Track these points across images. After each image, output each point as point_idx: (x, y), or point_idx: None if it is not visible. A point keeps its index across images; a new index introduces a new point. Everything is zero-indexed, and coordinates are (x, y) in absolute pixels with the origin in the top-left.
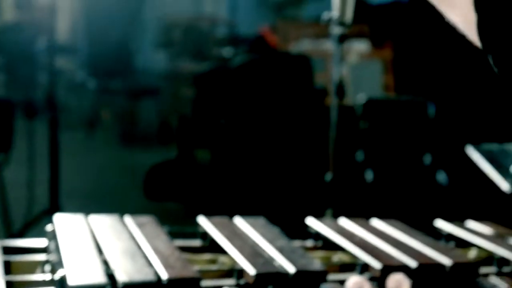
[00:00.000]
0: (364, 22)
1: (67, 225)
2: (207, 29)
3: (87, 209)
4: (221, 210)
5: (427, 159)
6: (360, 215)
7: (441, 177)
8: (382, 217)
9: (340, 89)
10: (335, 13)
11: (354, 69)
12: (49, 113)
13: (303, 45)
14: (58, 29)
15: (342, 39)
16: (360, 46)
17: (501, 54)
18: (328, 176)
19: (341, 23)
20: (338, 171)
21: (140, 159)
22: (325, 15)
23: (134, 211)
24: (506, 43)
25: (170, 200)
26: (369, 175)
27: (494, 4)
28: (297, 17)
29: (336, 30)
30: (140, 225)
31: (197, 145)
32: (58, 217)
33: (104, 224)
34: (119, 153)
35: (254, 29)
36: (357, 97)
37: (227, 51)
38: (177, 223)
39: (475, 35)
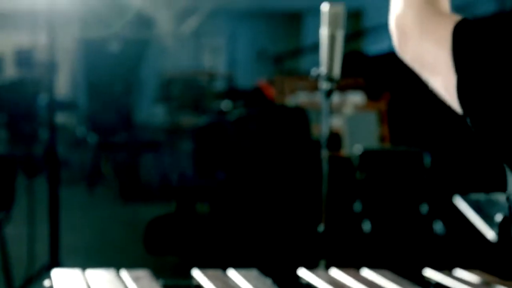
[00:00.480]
0: (360, 75)
1: (65, 280)
2: (205, 83)
3: (87, 264)
4: (217, 262)
5: (424, 208)
6: (355, 265)
7: (438, 226)
8: (377, 266)
9: (334, 141)
10: (323, 69)
11: (350, 121)
12: (50, 169)
13: (300, 98)
14: (59, 86)
15: (329, 93)
16: (355, 98)
17: (478, 117)
18: (321, 227)
19: (329, 78)
20: (332, 222)
21: (140, 214)
22: (314, 71)
23: (134, 265)
24: (483, 107)
25: (170, 253)
26: (366, 226)
27: (472, 71)
28: (294, 70)
29: (325, 85)
30: (135, 279)
31: (196, 198)
32: (56, 272)
33: (100, 278)
34: (119, 207)
35: (252, 82)
36: (354, 148)
37: (225, 105)
38: (176, 275)
39: (455, 101)
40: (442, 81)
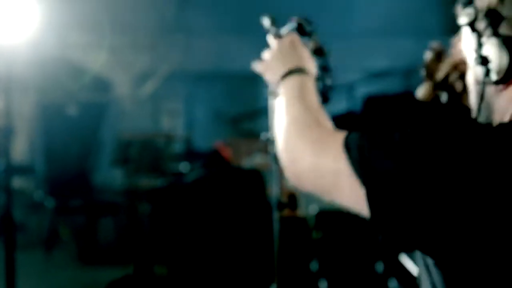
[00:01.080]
0: None
1: None
2: (163, 145)
3: None
4: None
5: (379, 267)
6: None
7: (393, 284)
8: None
9: (291, 201)
10: (272, 133)
11: None
12: (6, 234)
13: (256, 159)
14: (16, 150)
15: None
16: None
17: (386, 225)
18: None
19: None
20: (287, 281)
21: (99, 276)
22: (263, 135)
23: None
24: (391, 215)
25: None
26: (323, 284)
27: (380, 181)
28: (252, 132)
29: (273, 149)
30: None
31: (154, 260)
32: None
33: None
34: (77, 271)
35: (210, 144)
36: (310, 208)
37: (183, 166)
38: None
39: (365, 209)
40: (349, 196)
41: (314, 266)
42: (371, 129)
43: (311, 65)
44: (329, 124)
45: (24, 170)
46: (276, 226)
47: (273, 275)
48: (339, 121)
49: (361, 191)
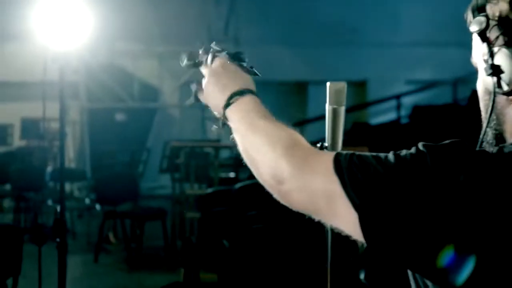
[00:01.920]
0: (365, 144)
1: None
2: (211, 152)
3: None
4: None
5: (362, 275)
6: None
7: None
8: None
9: None
10: (326, 143)
11: None
12: (59, 238)
13: None
14: (67, 156)
15: None
16: None
17: (388, 248)
18: None
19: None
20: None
21: (145, 282)
22: (317, 145)
23: None
24: (385, 241)
25: None
26: None
27: (373, 207)
28: None
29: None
30: None
31: (203, 267)
32: None
33: None
34: (125, 277)
35: None
36: None
37: (230, 174)
38: None
39: (359, 234)
40: (345, 222)
41: (362, 275)
42: (402, 143)
43: (251, 82)
44: (304, 141)
45: (74, 175)
46: (329, 235)
47: (325, 284)
48: (387, 129)
49: (353, 214)
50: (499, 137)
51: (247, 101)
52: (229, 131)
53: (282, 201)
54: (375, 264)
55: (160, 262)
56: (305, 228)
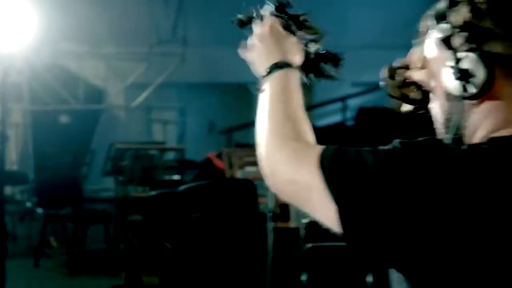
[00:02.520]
0: None
1: None
2: (156, 155)
3: None
4: None
5: (369, 279)
6: None
7: None
8: None
9: (283, 212)
10: None
11: None
12: None
13: (248, 170)
14: (9, 159)
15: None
16: None
17: (357, 243)
18: None
19: None
20: None
21: (88, 287)
22: None
23: None
24: (362, 234)
25: None
26: None
27: (351, 201)
28: (244, 143)
29: None
30: None
31: (145, 270)
32: None
33: None
34: (66, 280)
35: (203, 155)
36: (301, 220)
37: (175, 177)
38: None
39: (335, 225)
40: (321, 211)
41: (304, 277)
42: (347, 145)
43: (295, 53)
44: (309, 133)
45: (16, 178)
46: (270, 237)
47: (265, 285)
48: (333, 131)
49: (333, 208)
50: (458, 141)
51: (280, 78)
52: None
53: (274, 191)
54: (318, 266)
55: (103, 266)
56: (248, 230)
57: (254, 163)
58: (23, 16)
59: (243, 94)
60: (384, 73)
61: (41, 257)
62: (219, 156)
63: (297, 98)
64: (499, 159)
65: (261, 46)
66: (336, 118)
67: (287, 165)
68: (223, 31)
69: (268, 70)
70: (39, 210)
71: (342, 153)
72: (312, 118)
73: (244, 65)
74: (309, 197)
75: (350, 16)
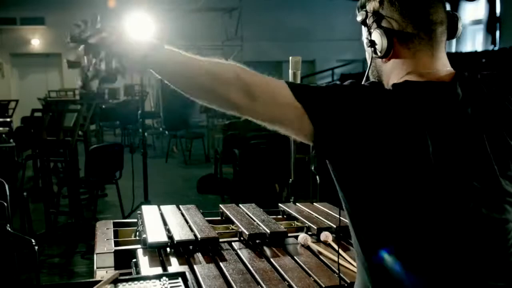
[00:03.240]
0: None
1: (148, 211)
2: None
3: (164, 202)
4: (235, 200)
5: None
6: (307, 199)
7: None
8: (324, 200)
9: None
10: None
11: None
12: (143, 149)
13: None
14: (149, 104)
15: None
16: None
17: (338, 159)
18: (291, 180)
19: None
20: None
21: (194, 173)
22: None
23: (189, 203)
24: (343, 151)
25: (210, 193)
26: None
27: (327, 122)
28: None
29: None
30: (186, 210)
31: (224, 163)
32: (143, 207)
33: (167, 210)
34: (183, 170)
35: None
36: None
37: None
38: (210, 208)
39: (310, 143)
40: (296, 131)
41: (312, 167)
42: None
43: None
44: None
45: (153, 115)
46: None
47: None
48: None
49: (310, 126)
50: (379, 84)
51: (171, 49)
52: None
53: (248, 115)
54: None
55: (202, 161)
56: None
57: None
58: (144, 22)
59: (277, 68)
60: None
61: (168, 158)
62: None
63: (189, 56)
64: (395, 97)
65: (130, 40)
66: (328, 80)
67: (267, 92)
68: (265, 32)
69: (156, 48)
70: (166, 132)
71: (311, 86)
72: (315, 81)
73: (278, 51)
74: (285, 115)
75: (335, 17)
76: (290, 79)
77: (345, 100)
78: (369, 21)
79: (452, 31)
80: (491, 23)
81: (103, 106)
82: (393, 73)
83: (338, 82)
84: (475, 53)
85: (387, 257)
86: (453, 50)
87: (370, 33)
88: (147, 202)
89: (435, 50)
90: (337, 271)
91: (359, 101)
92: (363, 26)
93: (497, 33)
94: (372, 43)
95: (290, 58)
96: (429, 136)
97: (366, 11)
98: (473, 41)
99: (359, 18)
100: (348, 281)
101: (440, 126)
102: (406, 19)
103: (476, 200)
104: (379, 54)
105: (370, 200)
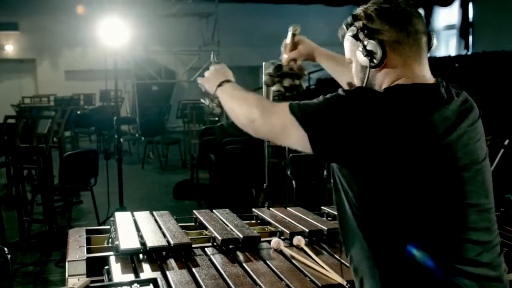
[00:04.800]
0: None
1: (121, 217)
2: (203, 106)
3: (140, 208)
4: (211, 205)
5: (288, 171)
6: (283, 204)
7: None
8: (300, 204)
9: None
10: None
11: None
12: (118, 155)
13: None
14: (125, 110)
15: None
16: None
17: (336, 158)
18: (265, 185)
19: None
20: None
21: (171, 178)
22: None
23: (166, 208)
24: (336, 151)
25: (186, 199)
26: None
27: (319, 130)
28: None
29: None
30: (160, 216)
31: (200, 168)
32: (117, 214)
33: (141, 216)
34: (159, 176)
35: None
36: None
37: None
38: (186, 214)
39: (308, 148)
40: (295, 140)
41: (288, 172)
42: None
43: (231, 75)
44: (267, 100)
45: (129, 120)
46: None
47: (264, 178)
48: (302, 95)
49: (304, 135)
50: None
51: (229, 84)
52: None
53: (253, 133)
54: (298, 164)
55: (180, 167)
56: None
57: None
58: (120, 30)
59: (253, 73)
60: (269, 69)
61: (145, 164)
62: None
63: (241, 91)
64: (387, 99)
65: (211, 75)
66: (304, 84)
67: (265, 114)
68: (242, 37)
69: (218, 84)
70: (142, 138)
71: (304, 103)
72: None
73: (253, 55)
74: (283, 131)
75: (311, 22)
76: (264, 88)
77: (345, 111)
78: (361, 35)
79: (429, 45)
80: (464, 28)
81: (78, 112)
82: (385, 80)
83: (340, 93)
84: (448, 58)
85: (408, 251)
86: (427, 54)
87: (364, 46)
88: (122, 208)
89: (422, 58)
90: (309, 275)
91: (359, 107)
92: (352, 41)
93: (470, 38)
94: (369, 54)
95: (264, 63)
96: (422, 127)
97: (356, 27)
98: (447, 45)
99: (350, 33)
100: (320, 285)
101: (435, 120)
102: (397, 28)
103: (469, 189)
104: (375, 63)
105: (386, 195)
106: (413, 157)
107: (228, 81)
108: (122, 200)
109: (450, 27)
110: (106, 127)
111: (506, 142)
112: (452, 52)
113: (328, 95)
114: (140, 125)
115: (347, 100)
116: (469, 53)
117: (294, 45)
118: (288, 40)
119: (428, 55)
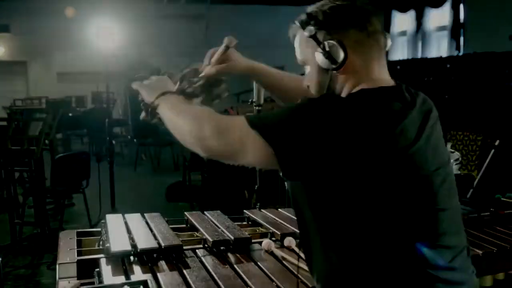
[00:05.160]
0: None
1: (112, 220)
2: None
3: (132, 210)
4: (204, 207)
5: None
6: (275, 205)
7: None
8: (288, 206)
9: None
10: (254, 99)
11: None
12: (110, 157)
13: None
14: (117, 112)
15: (259, 112)
16: None
17: (301, 172)
18: (256, 186)
19: (258, 104)
20: (263, 182)
21: (164, 180)
22: (250, 101)
23: (155, 210)
24: (290, 159)
25: (178, 201)
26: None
27: (285, 143)
28: (246, 101)
29: (256, 108)
30: (151, 218)
31: (192, 170)
32: (108, 216)
33: (132, 218)
34: (152, 178)
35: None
36: None
37: None
38: (179, 215)
39: (271, 164)
40: (257, 158)
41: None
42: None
43: (170, 86)
44: (214, 112)
45: (121, 122)
46: None
47: (255, 178)
48: None
49: (269, 150)
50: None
51: (173, 96)
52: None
53: (203, 153)
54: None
55: (171, 168)
56: None
57: (251, 113)
58: (112, 32)
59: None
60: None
61: (137, 166)
62: (232, 108)
63: (187, 105)
64: (355, 107)
65: (152, 83)
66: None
67: (218, 130)
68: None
69: (159, 94)
70: (135, 140)
71: (263, 115)
72: None
73: (246, 57)
74: (242, 148)
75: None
76: (254, 87)
77: (312, 122)
78: (320, 35)
79: (385, 45)
80: (455, 29)
81: (70, 114)
82: (346, 84)
83: (304, 102)
84: (440, 59)
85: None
86: (419, 55)
87: (324, 46)
88: (114, 210)
89: (382, 59)
90: (300, 276)
91: (327, 116)
92: (308, 42)
93: (461, 39)
94: (330, 55)
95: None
96: (395, 134)
97: (314, 26)
98: (438, 47)
99: (306, 33)
100: (310, 286)
101: (402, 124)
102: (357, 28)
103: (440, 193)
104: (337, 65)
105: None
106: (388, 167)
107: (171, 92)
108: (114, 202)
109: (441, 28)
110: (98, 129)
111: (497, 143)
112: (444, 53)
113: (289, 105)
114: (132, 127)
115: (313, 110)
116: (461, 54)
117: (223, 60)
118: (219, 50)
119: (420, 49)
